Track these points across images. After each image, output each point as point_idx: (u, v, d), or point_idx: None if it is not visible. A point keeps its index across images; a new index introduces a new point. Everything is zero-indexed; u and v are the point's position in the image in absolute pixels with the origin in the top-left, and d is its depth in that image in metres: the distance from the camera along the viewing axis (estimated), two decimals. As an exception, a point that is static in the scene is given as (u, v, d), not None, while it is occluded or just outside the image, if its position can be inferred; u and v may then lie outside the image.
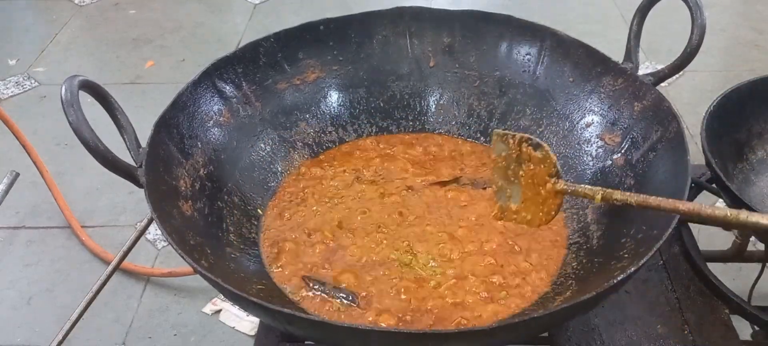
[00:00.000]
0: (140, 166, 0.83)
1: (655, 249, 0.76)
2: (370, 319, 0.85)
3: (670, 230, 0.77)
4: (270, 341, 0.92)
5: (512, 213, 0.95)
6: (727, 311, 0.95)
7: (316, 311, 0.86)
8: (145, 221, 1.28)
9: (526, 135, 0.91)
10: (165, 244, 1.64)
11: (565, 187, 0.88)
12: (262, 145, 1.06)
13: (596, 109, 1.04)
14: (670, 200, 0.78)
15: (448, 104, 1.15)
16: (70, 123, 0.77)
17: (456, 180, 1.04)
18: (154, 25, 2.57)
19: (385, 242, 0.95)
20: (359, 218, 0.99)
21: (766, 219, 0.72)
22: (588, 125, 1.04)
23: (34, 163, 1.72)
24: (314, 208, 1.01)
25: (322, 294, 0.88)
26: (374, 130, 1.14)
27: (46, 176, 1.72)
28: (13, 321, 1.49)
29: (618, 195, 0.83)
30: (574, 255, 0.93)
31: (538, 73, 1.10)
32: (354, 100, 1.14)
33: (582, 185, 0.89)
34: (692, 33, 0.97)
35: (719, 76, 2.21)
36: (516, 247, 0.94)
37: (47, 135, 1.98)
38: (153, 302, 1.52)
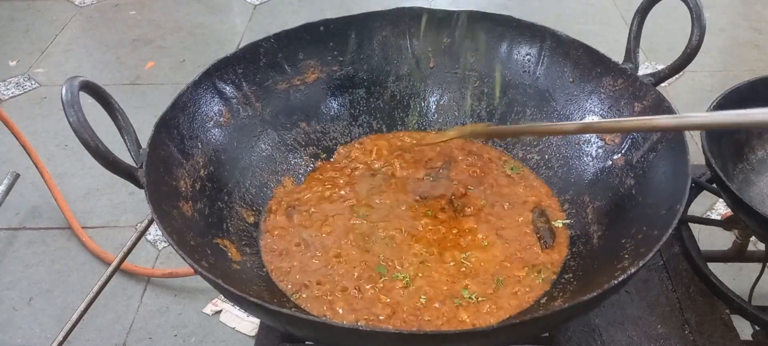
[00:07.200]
0: (140, 167, 0.83)
1: (655, 249, 0.76)
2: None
3: (670, 230, 0.77)
4: (270, 342, 0.92)
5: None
6: (727, 310, 0.95)
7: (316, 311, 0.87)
8: (146, 221, 1.28)
9: None
10: (165, 244, 1.64)
11: None
12: (263, 145, 1.06)
13: (596, 109, 1.04)
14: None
15: (448, 104, 1.15)
16: (70, 124, 0.77)
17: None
18: (154, 26, 2.57)
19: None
20: (359, 218, 0.99)
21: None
22: (588, 125, 1.04)
23: (35, 164, 1.72)
24: (314, 208, 1.01)
25: None
26: (374, 131, 1.14)
27: (47, 177, 1.72)
28: (14, 322, 1.49)
29: None
30: (574, 255, 0.93)
31: (538, 73, 1.10)
32: (354, 101, 1.14)
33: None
34: (692, 33, 0.96)
35: (718, 77, 2.21)
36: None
37: (47, 136, 1.98)
38: (153, 302, 1.52)
